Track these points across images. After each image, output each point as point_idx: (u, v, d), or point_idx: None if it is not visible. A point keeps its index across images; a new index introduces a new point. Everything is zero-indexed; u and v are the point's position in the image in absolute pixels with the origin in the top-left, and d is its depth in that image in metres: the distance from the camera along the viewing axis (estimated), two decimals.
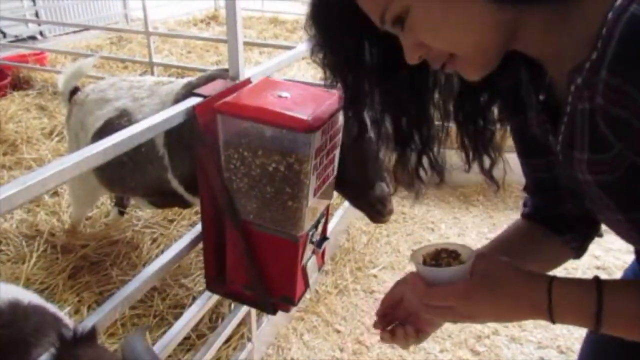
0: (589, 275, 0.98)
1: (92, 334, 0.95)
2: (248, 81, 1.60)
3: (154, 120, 1.31)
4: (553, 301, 0.72)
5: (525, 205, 1.00)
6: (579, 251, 0.95)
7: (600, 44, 0.57)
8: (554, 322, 0.74)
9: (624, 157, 0.61)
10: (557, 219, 0.92)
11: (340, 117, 1.40)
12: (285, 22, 7.65)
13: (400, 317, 0.93)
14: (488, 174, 0.88)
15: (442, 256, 0.86)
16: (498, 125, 0.87)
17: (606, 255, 2.82)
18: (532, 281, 0.76)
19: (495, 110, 0.86)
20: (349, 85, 0.82)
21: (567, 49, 0.64)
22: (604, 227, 0.93)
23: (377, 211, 1.78)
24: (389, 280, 2.66)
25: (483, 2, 0.62)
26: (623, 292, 0.71)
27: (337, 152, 1.48)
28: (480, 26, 0.65)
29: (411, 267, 0.86)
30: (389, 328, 0.92)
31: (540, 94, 0.76)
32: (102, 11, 7.87)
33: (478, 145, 0.85)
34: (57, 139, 3.85)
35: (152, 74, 4.54)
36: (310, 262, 1.53)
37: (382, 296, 0.95)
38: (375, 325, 0.93)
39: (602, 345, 1.04)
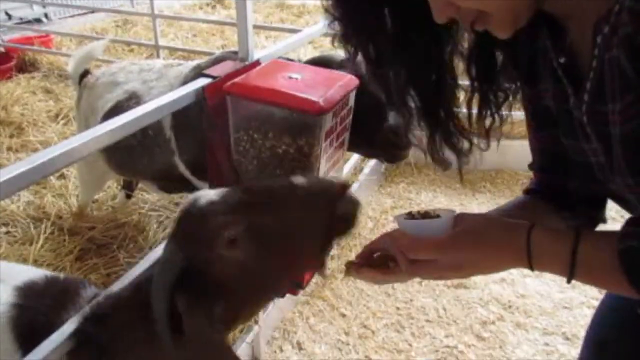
0: None
1: None
2: (257, 63, 1.58)
3: (162, 101, 1.30)
4: (532, 248, 0.74)
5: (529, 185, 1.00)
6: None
7: None
8: (532, 268, 0.75)
9: None
10: (558, 196, 0.92)
11: (351, 100, 1.39)
12: (291, 7, 7.55)
13: (376, 264, 0.93)
14: (487, 132, 0.90)
15: (425, 216, 0.89)
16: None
17: None
18: (513, 228, 0.78)
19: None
20: (370, 54, 0.82)
21: (593, 2, 0.64)
22: (608, 214, 0.93)
23: (392, 144, 1.68)
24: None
25: None
26: (598, 244, 0.72)
27: (346, 135, 1.47)
28: None
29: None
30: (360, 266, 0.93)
31: (560, 58, 0.75)
32: None
33: (489, 102, 0.86)
34: (63, 122, 3.85)
35: (158, 57, 4.51)
36: None
37: None
38: (348, 263, 0.94)
39: (607, 328, 1.04)
